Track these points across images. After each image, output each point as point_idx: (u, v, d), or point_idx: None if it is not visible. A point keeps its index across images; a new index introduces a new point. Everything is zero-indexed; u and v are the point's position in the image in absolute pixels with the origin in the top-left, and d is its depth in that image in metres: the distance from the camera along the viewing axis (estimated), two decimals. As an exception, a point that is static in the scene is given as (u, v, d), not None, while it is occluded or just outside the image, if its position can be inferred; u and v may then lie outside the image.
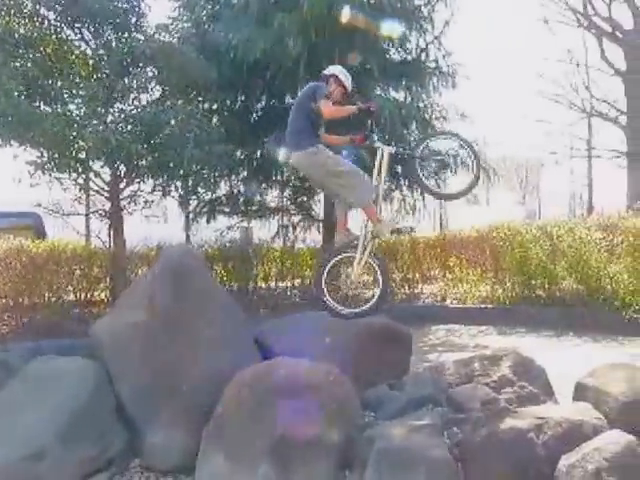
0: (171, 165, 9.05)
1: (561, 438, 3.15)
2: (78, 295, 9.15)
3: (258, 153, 11.05)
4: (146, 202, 10.16)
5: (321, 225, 11.98)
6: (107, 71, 9.23)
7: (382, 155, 5.09)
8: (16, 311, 8.39)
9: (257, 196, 12.21)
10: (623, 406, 3.51)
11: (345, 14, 9.37)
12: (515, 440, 3.15)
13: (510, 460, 3.11)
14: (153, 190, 10.00)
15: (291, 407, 3.41)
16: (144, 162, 9.19)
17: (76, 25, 9.28)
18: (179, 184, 10.10)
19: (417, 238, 11.27)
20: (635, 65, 18.36)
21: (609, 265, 8.67)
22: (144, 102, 9.73)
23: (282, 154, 7.73)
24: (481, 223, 10.76)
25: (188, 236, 13.56)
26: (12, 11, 8.86)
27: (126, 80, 9.17)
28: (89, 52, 9.50)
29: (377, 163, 5.12)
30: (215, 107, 11.55)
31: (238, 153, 10.96)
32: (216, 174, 10.28)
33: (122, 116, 9.19)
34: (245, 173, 11.71)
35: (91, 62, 9.41)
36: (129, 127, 8.96)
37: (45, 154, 8.57)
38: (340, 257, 5.14)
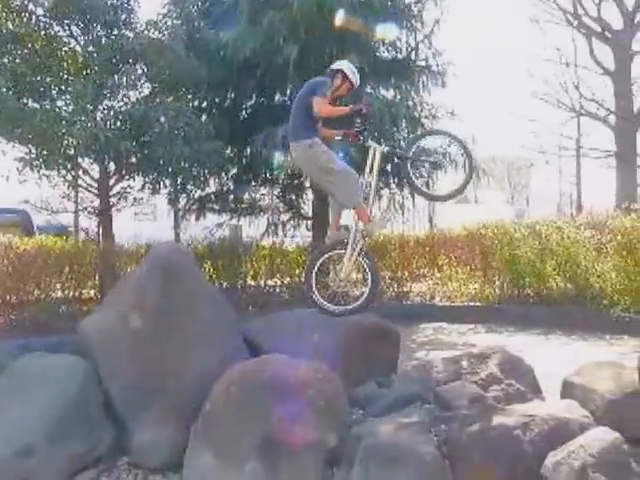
0: (160, 162, 9.03)
1: (548, 435, 3.16)
2: (66, 292, 9.10)
3: (247, 151, 11.02)
4: (135, 199, 10.13)
5: (310, 223, 11.99)
6: (96, 68, 9.21)
7: (374, 154, 5.08)
8: (4, 309, 8.34)
9: (246, 194, 12.19)
10: (609, 404, 3.54)
11: (335, 13, 9.38)
12: (502, 437, 3.16)
13: (497, 457, 3.12)
14: (142, 187, 9.98)
15: (279, 404, 3.41)
16: (133, 159, 9.18)
17: (65, 21, 9.24)
18: (168, 181, 10.08)
19: (406, 236, 11.31)
20: (624, 65, 18.47)
21: (597, 264, 8.74)
22: (133, 99, 9.71)
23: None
24: (470, 222, 10.80)
25: (177, 234, 13.54)
26: (-1, 6, 8.82)
27: (115, 77, 9.15)
28: (78, 49, 9.47)
29: (369, 162, 5.11)
30: (205, 105, 11.54)
31: (227, 151, 10.95)
32: (205, 172, 10.25)
33: (111, 113, 9.16)
34: (234, 171, 11.70)
35: (80, 59, 9.38)
36: (118, 124, 8.95)
37: (33, 151, 8.54)
38: (330, 254, 5.15)
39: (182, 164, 9.15)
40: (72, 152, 8.62)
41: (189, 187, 10.50)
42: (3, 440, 3.61)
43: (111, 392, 4.08)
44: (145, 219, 21.60)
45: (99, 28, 9.43)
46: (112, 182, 9.74)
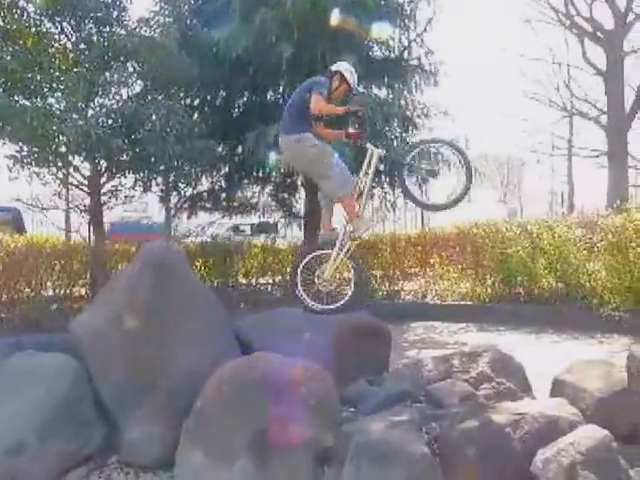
0: (152, 160, 9.01)
1: (538, 433, 3.18)
2: (58, 291, 9.08)
3: (239, 149, 11.02)
4: (126, 197, 10.10)
5: (302, 222, 11.99)
6: (87, 65, 9.16)
7: (371, 156, 5.10)
8: (-6, 307, 8.31)
9: (238, 192, 12.19)
10: (599, 402, 3.57)
11: (328, 11, 9.38)
12: (493, 435, 3.17)
13: (488, 455, 3.13)
14: (134, 185, 9.95)
15: (270, 403, 3.42)
16: (125, 157, 9.14)
17: (56, 18, 9.20)
18: (160, 179, 10.06)
19: (398, 235, 11.33)
20: (615, 65, 18.55)
21: (588, 263, 8.78)
22: (125, 97, 9.68)
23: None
24: (462, 221, 10.82)
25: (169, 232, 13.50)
26: (-10, 3, 8.77)
27: (107, 74, 9.11)
28: (69, 46, 9.42)
29: (365, 163, 5.13)
30: (197, 103, 11.52)
31: (219, 149, 10.93)
32: (197, 170, 10.25)
33: (103, 110, 9.13)
34: (226, 169, 11.68)
35: (71, 56, 9.33)
36: (110, 122, 8.91)
37: (24, 148, 8.51)
38: (317, 254, 5.18)
39: (174, 162, 9.13)
40: (63, 150, 8.59)
41: (181, 185, 10.49)
42: (-7, 438, 3.60)
43: (102, 390, 4.07)
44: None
45: (90, 25, 9.40)
46: (103, 180, 9.70)
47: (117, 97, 9.55)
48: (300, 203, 12.32)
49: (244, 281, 10.90)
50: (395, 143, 10.46)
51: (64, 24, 9.32)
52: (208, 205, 12.13)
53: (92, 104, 9.20)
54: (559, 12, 19.88)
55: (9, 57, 8.43)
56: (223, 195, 12.08)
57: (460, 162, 4.92)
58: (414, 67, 11.47)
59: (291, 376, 3.59)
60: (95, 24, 9.40)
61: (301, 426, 3.38)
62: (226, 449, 3.38)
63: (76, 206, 10.31)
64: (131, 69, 9.52)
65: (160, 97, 9.70)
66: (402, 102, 11.31)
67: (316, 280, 5.08)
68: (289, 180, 11.71)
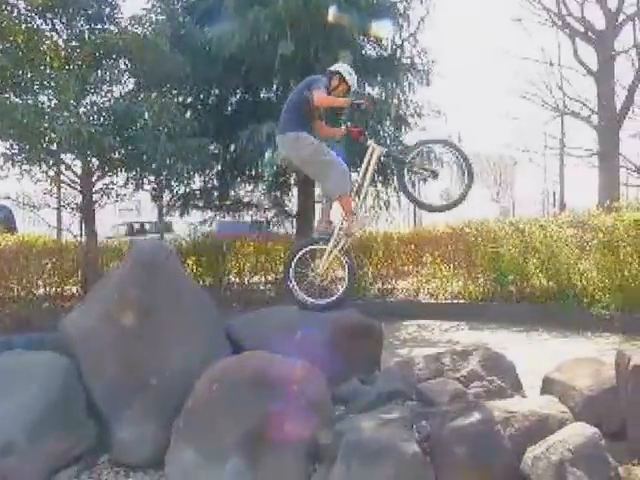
0: (144, 158, 8.97)
1: (527, 431, 3.20)
2: (49, 289, 9.04)
3: (232, 147, 10.99)
4: (118, 195, 10.06)
5: (295, 221, 11.98)
6: (79, 62, 9.12)
7: (372, 154, 5.12)
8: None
9: (231, 190, 12.17)
10: (588, 400, 3.58)
11: (321, 9, 9.37)
12: (483, 433, 3.19)
13: (478, 453, 3.14)
14: (126, 183, 9.90)
15: (262, 401, 3.42)
16: (117, 155, 9.10)
17: (47, 15, 9.14)
18: (152, 178, 10.02)
19: (391, 233, 11.34)
20: (606, 65, 18.61)
21: (579, 262, 8.82)
22: (117, 94, 9.62)
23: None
24: (455, 219, 10.84)
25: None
26: (-21, -1, 8.71)
27: (99, 72, 9.08)
28: (61, 43, 9.36)
29: (365, 161, 5.15)
30: (189, 101, 11.49)
31: (212, 147, 10.89)
32: (190, 168, 10.20)
33: (94, 108, 9.10)
34: (219, 167, 11.65)
35: (63, 53, 9.27)
36: (101, 119, 8.88)
37: (15, 146, 8.46)
38: (311, 248, 5.20)
39: (166, 160, 9.08)
40: (54, 147, 8.53)
41: (173, 183, 10.45)
42: (-17, 437, 3.58)
43: (93, 390, 4.06)
44: (129, 215, 21.48)
45: (82, 22, 9.35)
46: (95, 178, 9.66)
47: (109, 95, 9.50)
48: (293, 202, 12.31)
49: (236, 280, 10.88)
50: (388, 142, 10.45)
51: (55, 21, 9.27)
52: (200, 203, 12.11)
53: (84, 102, 9.14)
54: (551, 12, 19.92)
55: (0, 54, 8.38)
56: (215, 193, 12.06)
57: (460, 162, 4.94)
58: (407, 66, 11.47)
59: (283, 375, 3.60)
60: (87, 21, 9.36)
61: (293, 425, 3.38)
62: (217, 448, 3.38)
63: (68, 204, 10.26)
64: (123, 67, 9.48)
65: (152, 95, 9.64)
66: (395, 101, 11.30)
67: (309, 274, 5.09)
68: (282, 178, 11.69)
